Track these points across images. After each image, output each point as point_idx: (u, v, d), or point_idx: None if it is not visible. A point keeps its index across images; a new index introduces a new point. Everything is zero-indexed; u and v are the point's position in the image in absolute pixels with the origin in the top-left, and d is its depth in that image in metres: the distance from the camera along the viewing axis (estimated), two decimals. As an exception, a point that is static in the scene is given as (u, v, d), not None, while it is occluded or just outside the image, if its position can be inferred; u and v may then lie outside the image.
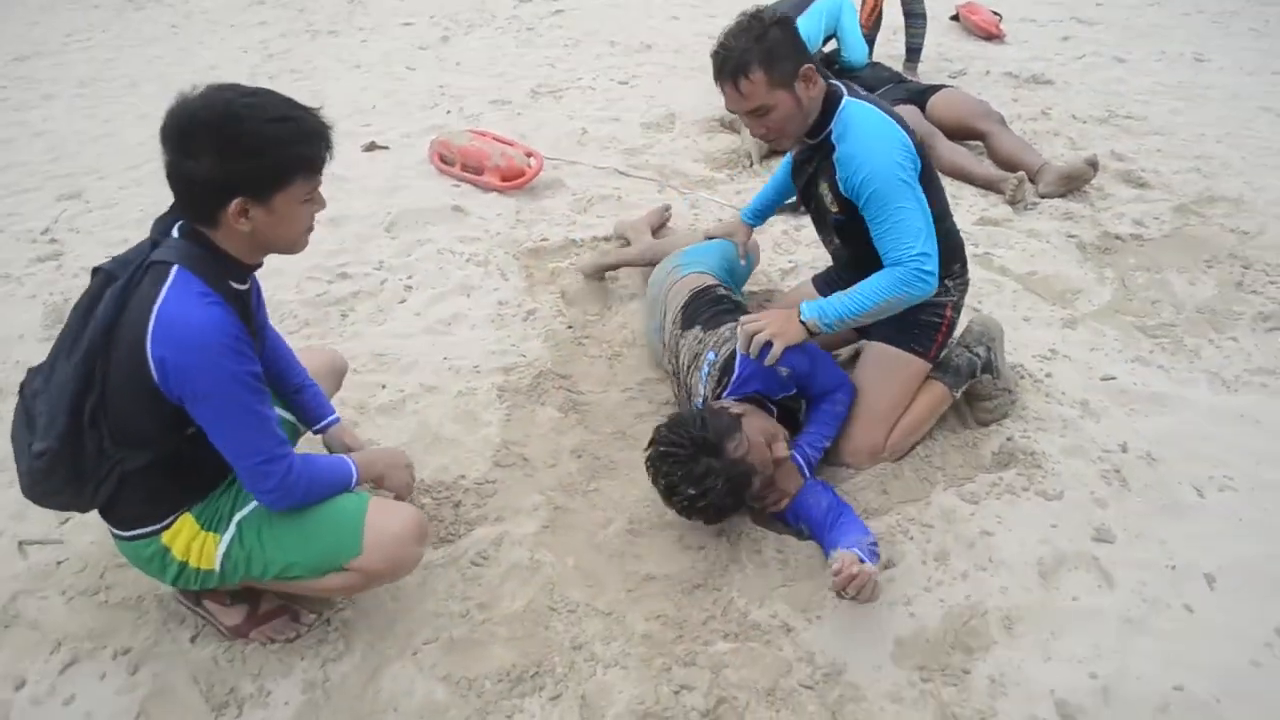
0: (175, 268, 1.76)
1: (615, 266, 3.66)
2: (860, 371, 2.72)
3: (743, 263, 3.15)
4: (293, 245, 1.90)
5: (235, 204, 1.73)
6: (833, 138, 2.50)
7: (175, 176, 1.74)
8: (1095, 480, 2.60)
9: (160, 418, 1.82)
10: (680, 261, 3.07)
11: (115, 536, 2.00)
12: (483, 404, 2.97)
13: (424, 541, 2.08)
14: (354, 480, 2.07)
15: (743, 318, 2.53)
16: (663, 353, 2.95)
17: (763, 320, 2.47)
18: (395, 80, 6.42)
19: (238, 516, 1.99)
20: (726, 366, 2.52)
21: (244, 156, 1.70)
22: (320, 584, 2.02)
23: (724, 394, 2.52)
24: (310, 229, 1.91)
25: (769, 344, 2.42)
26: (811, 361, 2.53)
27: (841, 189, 2.51)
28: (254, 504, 2.00)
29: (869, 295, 2.41)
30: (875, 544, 2.23)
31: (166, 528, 1.95)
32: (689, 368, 2.67)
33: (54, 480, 1.86)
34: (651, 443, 2.35)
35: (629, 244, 3.79)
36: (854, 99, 2.52)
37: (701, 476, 2.22)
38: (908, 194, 2.40)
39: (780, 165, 3.05)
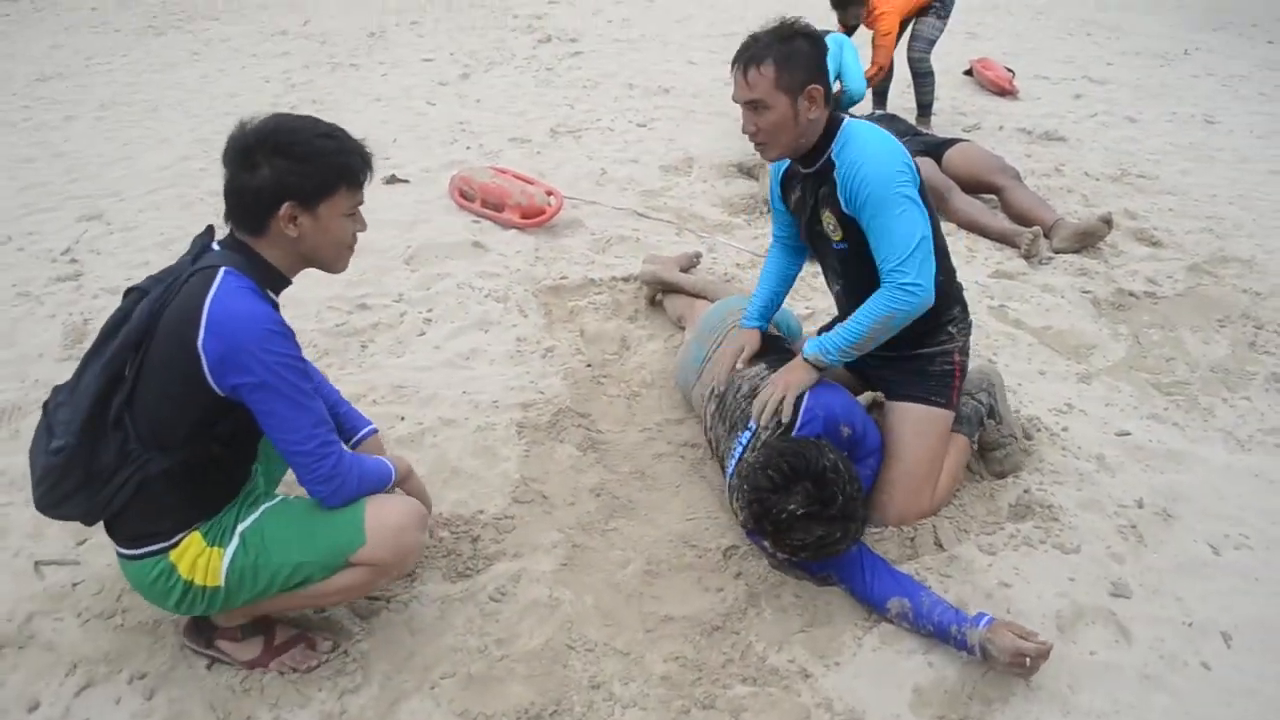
0: (223, 269, 1.87)
1: (675, 287, 3.65)
2: (892, 436, 2.65)
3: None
4: (335, 259, 2.04)
5: (285, 208, 1.88)
6: (833, 155, 2.49)
7: (233, 189, 1.90)
8: (1112, 535, 2.60)
9: (197, 412, 1.88)
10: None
11: (121, 556, 1.99)
12: (501, 439, 2.98)
13: (424, 529, 2.15)
14: (393, 479, 2.13)
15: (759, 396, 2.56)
16: (694, 384, 2.96)
17: (768, 389, 2.51)
18: (416, 115, 6.49)
19: (240, 528, 2.00)
20: (791, 408, 2.50)
21: (295, 163, 1.87)
22: (332, 586, 2.04)
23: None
24: (352, 247, 2.06)
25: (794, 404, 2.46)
26: (865, 425, 2.55)
27: (843, 204, 2.47)
28: (256, 514, 2.03)
29: (862, 319, 2.45)
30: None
31: (174, 546, 1.95)
32: (744, 396, 2.65)
33: (68, 483, 1.87)
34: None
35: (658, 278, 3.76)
36: (857, 121, 2.52)
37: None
38: (904, 203, 2.38)
39: (768, 256, 2.97)
